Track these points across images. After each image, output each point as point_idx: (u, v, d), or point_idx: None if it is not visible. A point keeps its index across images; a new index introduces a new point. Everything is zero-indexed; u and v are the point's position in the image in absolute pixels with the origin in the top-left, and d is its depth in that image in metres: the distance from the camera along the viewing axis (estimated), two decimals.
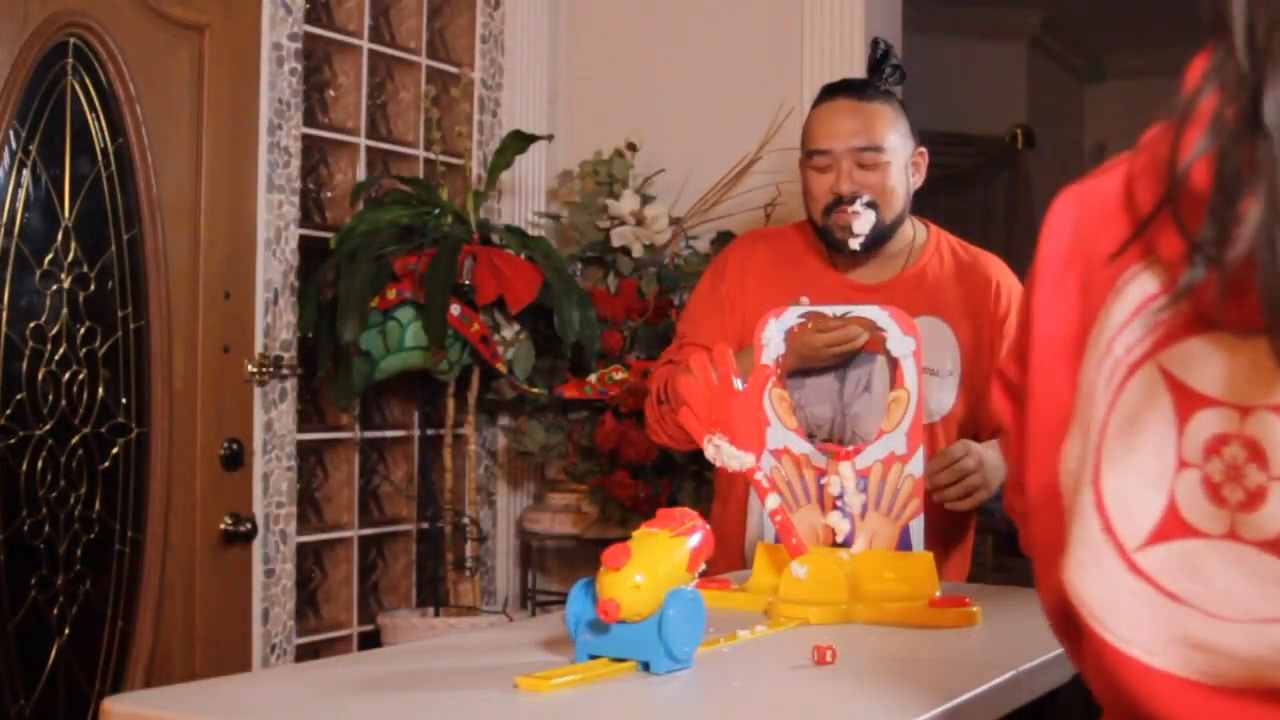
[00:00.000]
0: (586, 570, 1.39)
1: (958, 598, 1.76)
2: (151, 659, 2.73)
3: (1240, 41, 0.79)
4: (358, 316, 2.95)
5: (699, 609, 1.45)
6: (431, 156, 3.30)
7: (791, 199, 3.37)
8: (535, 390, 3.27)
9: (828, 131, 2.37)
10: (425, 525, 3.40)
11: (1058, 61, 6.77)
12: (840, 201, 2.35)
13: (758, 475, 1.82)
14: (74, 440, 2.61)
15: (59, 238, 2.59)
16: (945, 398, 2.37)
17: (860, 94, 2.41)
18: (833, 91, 2.44)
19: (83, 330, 2.62)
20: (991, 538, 4.38)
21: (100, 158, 2.66)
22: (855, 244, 2.36)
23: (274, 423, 2.97)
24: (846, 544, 1.88)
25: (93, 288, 2.64)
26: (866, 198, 2.35)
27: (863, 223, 2.35)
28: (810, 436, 2.18)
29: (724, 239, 3.36)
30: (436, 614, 3.23)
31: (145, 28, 2.73)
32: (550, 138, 3.54)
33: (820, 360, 2.26)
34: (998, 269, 2.48)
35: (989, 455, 2.22)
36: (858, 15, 3.34)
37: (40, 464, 2.54)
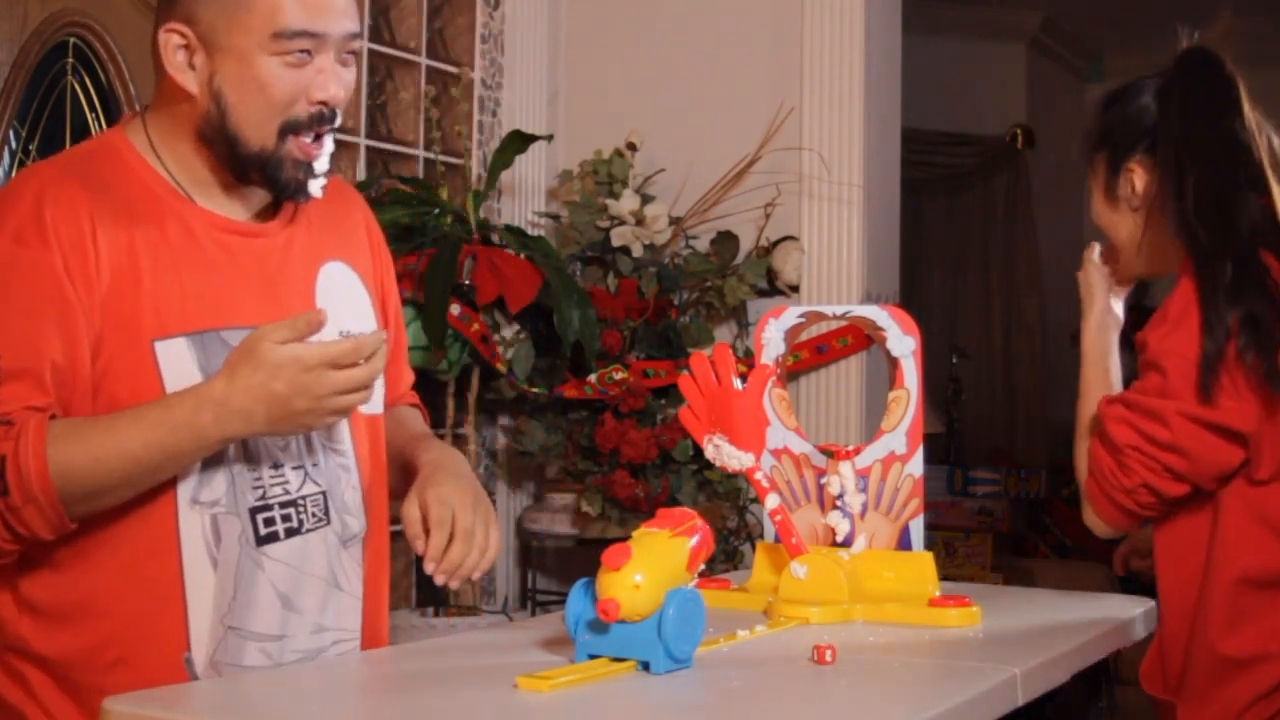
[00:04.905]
0: (586, 570, 1.38)
1: (958, 597, 1.76)
2: None
3: None
4: None
5: (699, 609, 1.45)
6: (431, 156, 3.30)
7: (791, 198, 3.38)
8: (535, 390, 3.27)
9: (318, 4, 1.56)
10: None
11: (1058, 61, 6.78)
12: (322, 119, 1.59)
13: (757, 475, 1.82)
14: None
15: None
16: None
17: None
18: None
19: None
20: (992, 537, 4.38)
21: None
22: (317, 188, 1.61)
23: None
24: (846, 544, 1.88)
25: None
26: (339, 114, 1.63)
27: (326, 157, 1.62)
28: None
29: (724, 239, 3.36)
30: (436, 614, 3.23)
31: (145, 28, 2.72)
32: (550, 138, 3.54)
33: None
34: (350, 187, 1.87)
35: (468, 476, 1.68)
36: (858, 15, 3.34)
37: None
